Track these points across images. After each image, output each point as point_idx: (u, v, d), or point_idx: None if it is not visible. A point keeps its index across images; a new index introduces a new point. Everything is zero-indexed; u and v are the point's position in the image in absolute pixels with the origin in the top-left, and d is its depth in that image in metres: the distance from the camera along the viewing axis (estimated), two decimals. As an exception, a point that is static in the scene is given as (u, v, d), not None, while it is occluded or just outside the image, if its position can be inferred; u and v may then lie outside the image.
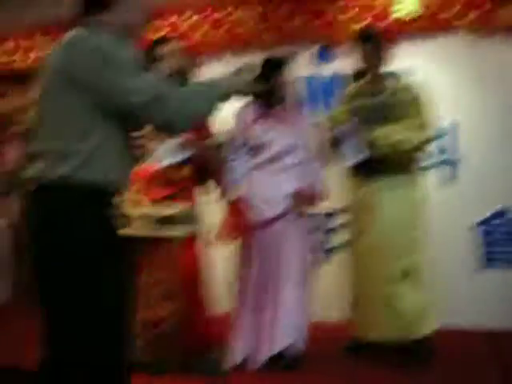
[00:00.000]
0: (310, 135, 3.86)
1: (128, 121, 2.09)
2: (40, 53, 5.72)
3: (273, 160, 3.74)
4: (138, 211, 3.44)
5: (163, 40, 3.66)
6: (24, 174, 2.08)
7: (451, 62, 4.77)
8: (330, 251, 5.01)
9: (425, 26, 4.74)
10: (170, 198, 3.51)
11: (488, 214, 4.65)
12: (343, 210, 4.38)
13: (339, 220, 4.85)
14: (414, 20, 4.73)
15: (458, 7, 4.61)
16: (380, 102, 3.81)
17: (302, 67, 5.04)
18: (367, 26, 4.48)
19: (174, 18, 5.20)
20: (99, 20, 2.10)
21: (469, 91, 4.73)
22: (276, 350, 3.62)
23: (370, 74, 3.87)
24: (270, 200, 3.70)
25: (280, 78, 3.70)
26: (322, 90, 5.05)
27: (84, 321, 2.00)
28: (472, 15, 4.59)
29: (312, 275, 3.86)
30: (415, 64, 4.69)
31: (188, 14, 5.17)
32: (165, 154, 3.42)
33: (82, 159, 1.99)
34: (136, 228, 3.38)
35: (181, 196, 3.57)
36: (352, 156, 3.74)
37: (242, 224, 3.70)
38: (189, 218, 3.54)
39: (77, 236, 2.00)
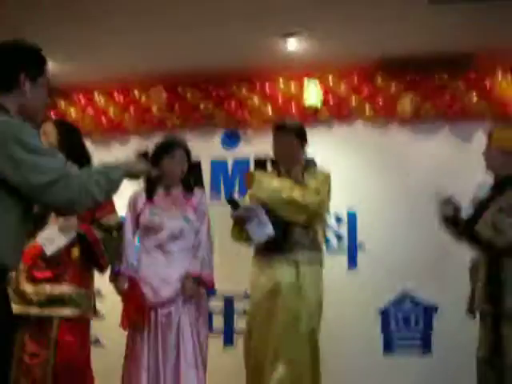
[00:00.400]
0: (205, 219, 3.86)
1: (28, 200, 2.09)
2: None
3: (164, 242, 3.71)
4: (20, 289, 3.34)
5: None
6: None
7: (350, 151, 4.96)
8: (232, 335, 4.96)
9: (325, 116, 4.94)
10: (53, 279, 3.42)
11: (387, 300, 4.71)
12: (245, 295, 4.34)
13: (242, 304, 4.84)
14: (315, 111, 4.91)
15: (356, 101, 4.84)
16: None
17: (207, 151, 5.14)
18: (284, 118, 4.41)
19: (82, 100, 5.22)
20: (2, 101, 2.16)
21: (367, 179, 4.89)
22: None
23: (281, 163, 3.87)
24: (164, 281, 3.64)
25: (175, 161, 3.74)
26: (225, 174, 5.13)
27: None
28: (369, 108, 4.82)
29: (206, 360, 3.76)
30: (315, 152, 4.82)
31: (95, 96, 5.20)
32: (47, 239, 3.36)
33: None
34: (17, 306, 3.22)
35: (66, 277, 3.48)
36: (257, 233, 3.74)
37: (139, 308, 3.62)
38: (73, 299, 3.43)
39: None
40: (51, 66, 4.48)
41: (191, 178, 3.93)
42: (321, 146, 4.90)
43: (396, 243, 4.77)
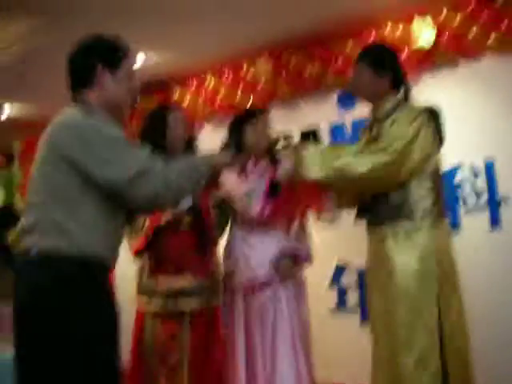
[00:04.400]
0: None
1: (113, 197, 2.12)
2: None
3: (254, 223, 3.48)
4: (149, 286, 3.37)
5: (171, 108, 3.61)
6: (18, 248, 2.14)
7: (479, 91, 4.20)
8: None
9: (443, 56, 4.26)
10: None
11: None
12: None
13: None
14: (432, 51, 4.26)
15: (475, 30, 4.08)
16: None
17: (323, 116, 4.76)
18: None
19: (194, 84, 5.21)
20: (86, 97, 2.22)
21: (502, 121, 4.10)
22: None
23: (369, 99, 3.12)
24: (259, 264, 3.43)
25: (257, 130, 3.43)
26: (347, 138, 4.67)
27: None
28: (493, 35, 4.03)
29: (309, 339, 3.50)
30: (438, 98, 4.19)
31: (208, 77, 5.15)
32: None
33: (71, 234, 2.04)
34: (147, 303, 3.34)
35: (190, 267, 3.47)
36: None
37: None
38: (200, 290, 3.39)
39: (72, 308, 2.02)
40: (156, 58, 4.65)
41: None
42: (444, 91, 4.28)
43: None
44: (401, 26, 4.37)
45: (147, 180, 2.06)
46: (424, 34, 4.23)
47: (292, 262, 3.44)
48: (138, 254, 3.39)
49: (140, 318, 3.39)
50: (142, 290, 3.39)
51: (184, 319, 3.35)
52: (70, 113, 2.18)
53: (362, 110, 4.63)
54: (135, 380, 3.38)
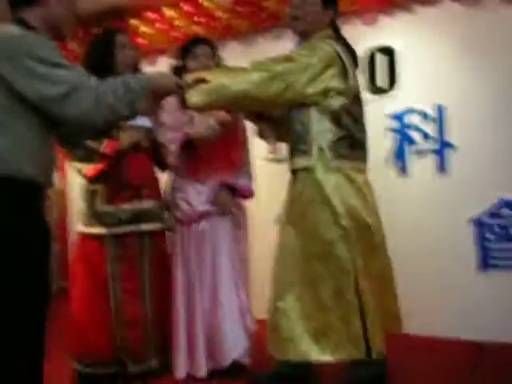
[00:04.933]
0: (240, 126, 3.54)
1: (45, 114, 2.07)
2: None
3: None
4: (109, 208, 3.35)
5: (117, 31, 3.53)
6: None
7: (434, 36, 4.18)
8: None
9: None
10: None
11: (483, 209, 4.00)
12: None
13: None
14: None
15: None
16: None
17: (281, 52, 4.68)
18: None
19: (150, 15, 5.07)
20: (25, 15, 2.17)
21: (456, 68, 4.11)
22: (219, 365, 3.37)
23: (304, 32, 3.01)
24: (197, 195, 3.42)
25: (198, 60, 3.39)
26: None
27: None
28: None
29: (247, 274, 3.56)
30: (394, 41, 4.19)
31: (164, 10, 5.01)
32: None
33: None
34: (107, 225, 3.33)
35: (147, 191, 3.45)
36: None
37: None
38: (159, 211, 3.46)
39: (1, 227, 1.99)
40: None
41: None
42: (401, 35, 4.26)
43: (492, 144, 3.98)
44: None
45: (77, 98, 2.03)
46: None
47: (230, 194, 3.45)
48: (94, 178, 3.35)
49: (93, 244, 3.36)
50: (97, 215, 3.34)
51: (145, 242, 3.40)
52: (5, 29, 2.12)
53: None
54: (91, 308, 3.37)
